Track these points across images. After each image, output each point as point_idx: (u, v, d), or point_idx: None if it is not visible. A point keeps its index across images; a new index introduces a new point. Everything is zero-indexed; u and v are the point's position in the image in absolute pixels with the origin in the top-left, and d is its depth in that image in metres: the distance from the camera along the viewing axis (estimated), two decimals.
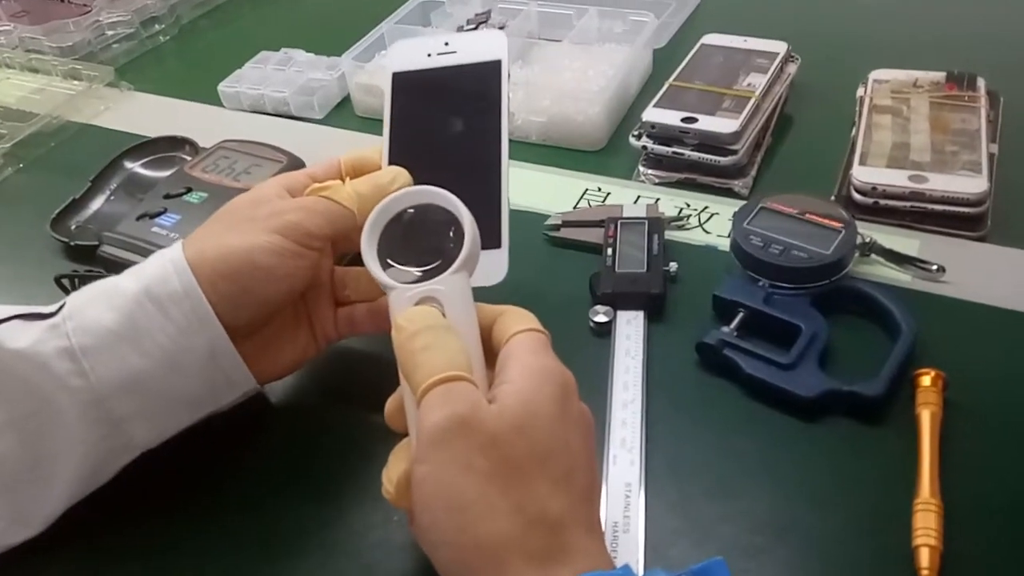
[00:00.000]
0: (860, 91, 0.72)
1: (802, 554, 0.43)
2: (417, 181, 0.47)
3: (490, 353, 0.40)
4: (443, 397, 0.36)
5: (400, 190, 0.43)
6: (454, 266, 0.40)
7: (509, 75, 0.49)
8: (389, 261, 0.42)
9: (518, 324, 0.40)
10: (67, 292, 0.62)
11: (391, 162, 0.49)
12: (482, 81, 0.49)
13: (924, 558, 0.40)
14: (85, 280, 0.62)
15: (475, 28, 0.77)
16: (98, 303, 0.43)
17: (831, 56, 0.80)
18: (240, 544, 0.46)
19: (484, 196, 0.48)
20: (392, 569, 0.44)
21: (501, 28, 0.78)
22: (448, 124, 0.49)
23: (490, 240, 0.46)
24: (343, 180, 0.48)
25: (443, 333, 0.38)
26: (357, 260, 0.53)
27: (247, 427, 0.50)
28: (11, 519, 0.43)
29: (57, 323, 0.43)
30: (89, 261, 0.64)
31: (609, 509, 0.44)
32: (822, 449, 0.47)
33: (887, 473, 0.45)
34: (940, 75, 0.70)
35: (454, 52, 0.50)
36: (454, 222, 0.42)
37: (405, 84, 0.51)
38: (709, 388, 0.51)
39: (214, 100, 0.85)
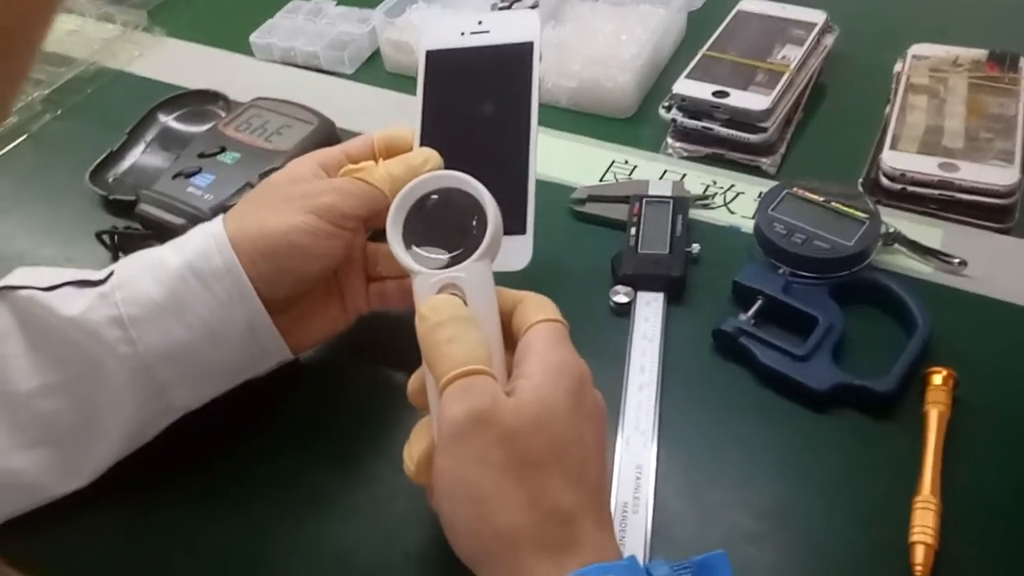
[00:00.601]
0: (898, 66, 0.71)
1: (802, 542, 0.45)
2: (447, 162, 0.48)
3: (509, 338, 0.42)
4: (464, 391, 0.37)
5: (425, 174, 0.44)
6: (476, 254, 0.41)
7: (540, 57, 0.49)
8: (413, 246, 0.43)
9: (537, 313, 0.41)
10: (107, 247, 0.65)
11: (423, 141, 0.50)
12: (514, 63, 0.49)
13: (919, 555, 0.42)
14: (124, 237, 0.64)
15: (509, 6, 0.76)
16: (145, 276, 0.45)
17: (871, 26, 0.78)
18: (267, 502, 0.48)
19: (511, 181, 0.48)
20: (412, 538, 0.46)
21: (534, 6, 0.77)
22: (479, 105, 0.50)
23: (515, 225, 0.47)
24: (376, 160, 0.49)
25: (465, 325, 0.39)
26: (379, 235, 0.55)
27: (279, 388, 0.52)
28: (63, 471, 0.46)
29: (106, 292, 0.45)
30: (127, 215, 0.66)
31: (620, 490, 0.46)
32: (830, 441, 0.48)
33: (892, 468, 0.47)
34: (982, 53, 0.69)
35: (487, 32, 0.50)
36: (477, 208, 0.43)
37: (438, 62, 0.51)
38: (724, 374, 0.52)
39: (245, 48, 0.85)
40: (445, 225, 0.43)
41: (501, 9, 0.73)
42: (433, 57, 0.51)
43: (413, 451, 0.41)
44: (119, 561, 0.47)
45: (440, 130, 0.50)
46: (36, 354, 0.45)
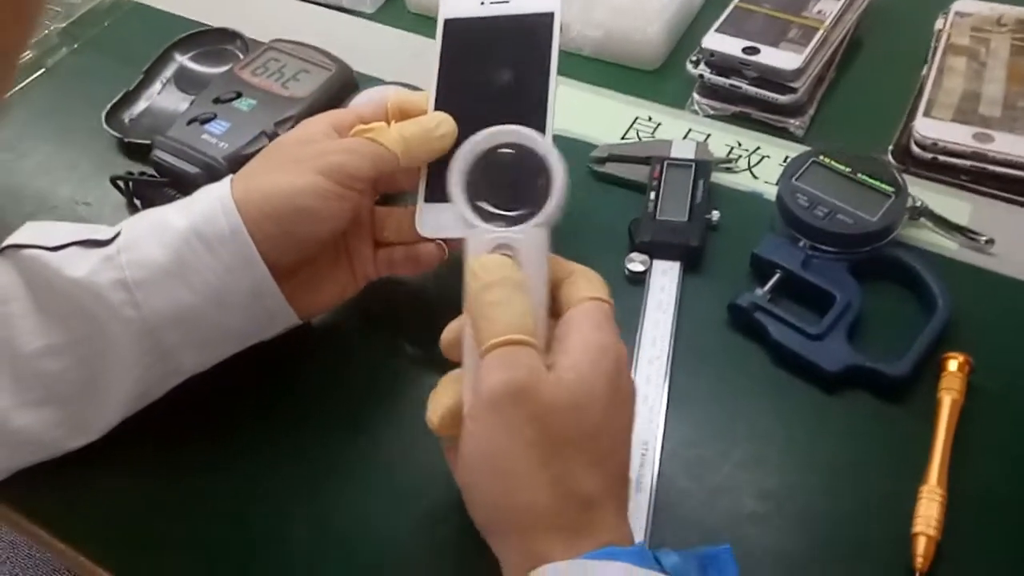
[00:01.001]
0: (940, 22, 0.67)
1: (804, 525, 0.45)
2: (461, 130, 0.47)
3: (554, 308, 0.41)
4: (505, 360, 0.36)
5: (497, 127, 0.42)
6: (537, 218, 0.40)
7: (561, 28, 0.48)
8: (475, 200, 0.41)
9: (587, 290, 0.40)
10: (121, 192, 0.64)
11: (437, 108, 0.49)
12: (533, 33, 0.48)
13: (920, 546, 0.42)
14: (139, 183, 0.64)
15: None
16: (151, 238, 0.45)
17: None
18: (278, 470, 0.49)
19: None
20: (424, 505, 0.47)
21: None
22: (496, 75, 0.48)
23: None
24: (388, 123, 0.48)
25: (514, 290, 0.38)
26: (388, 199, 0.54)
27: (289, 353, 0.53)
28: (69, 428, 0.47)
29: (111, 254, 0.45)
30: (142, 158, 0.66)
31: None
32: (840, 423, 0.48)
33: (901, 453, 0.46)
34: None
35: (507, 2, 0.49)
36: (544, 171, 0.41)
37: (456, 31, 0.50)
38: (736, 349, 0.52)
39: None
40: (508, 183, 0.41)
41: None
42: (451, 25, 0.50)
43: (439, 403, 0.40)
44: (127, 521, 0.48)
45: (454, 99, 0.48)
46: (42, 314, 0.45)
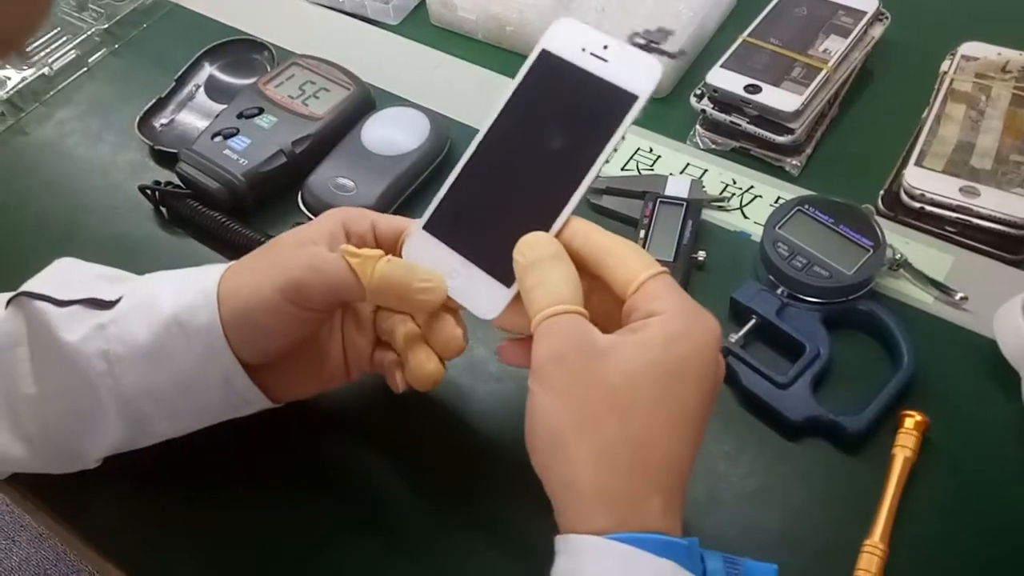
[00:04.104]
0: (945, 64, 0.68)
1: None
2: (485, 179, 0.46)
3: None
4: (548, 331, 0.39)
5: None
6: None
7: (642, 111, 0.44)
8: None
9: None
10: (149, 199, 0.69)
11: (488, 137, 0.46)
12: (609, 109, 0.44)
13: None
14: (165, 195, 0.68)
15: (644, 45, 0.70)
16: (139, 315, 0.47)
17: (927, 13, 0.75)
18: (295, 488, 0.53)
19: (531, 229, 0.43)
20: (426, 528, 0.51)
21: (672, 56, 0.72)
22: (551, 135, 0.45)
23: (505, 274, 0.44)
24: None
25: (554, 264, 0.41)
26: None
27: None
28: (62, 461, 0.51)
29: (104, 323, 0.47)
30: (171, 164, 0.70)
31: None
32: (799, 470, 0.51)
33: (852, 504, 0.49)
34: None
35: (605, 60, 0.45)
36: None
37: (545, 66, 0.47)
38: None
39: None
40: None
41: (636, 45, 0.66)
42: (544, 58, 0.46)
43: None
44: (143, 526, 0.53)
45: (504, 139, 0.46)
46: (38, 365, 0.48)
